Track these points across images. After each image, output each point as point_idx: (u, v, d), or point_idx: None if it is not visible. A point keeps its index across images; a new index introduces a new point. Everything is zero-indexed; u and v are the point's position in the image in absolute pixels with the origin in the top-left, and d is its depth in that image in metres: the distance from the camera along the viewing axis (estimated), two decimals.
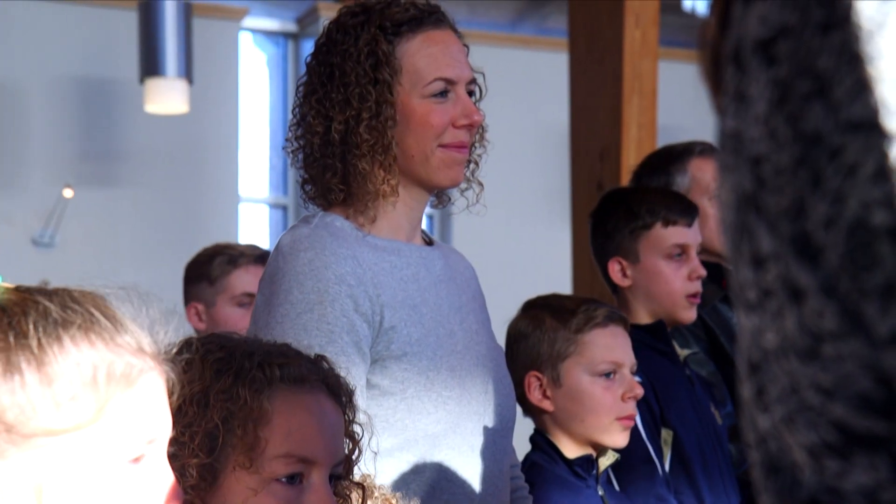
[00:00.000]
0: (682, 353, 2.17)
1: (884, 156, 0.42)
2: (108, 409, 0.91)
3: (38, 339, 0.90)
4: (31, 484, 0.89)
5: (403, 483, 1.53)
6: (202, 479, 1.19)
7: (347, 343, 1.51)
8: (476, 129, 1.64)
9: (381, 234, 1.62)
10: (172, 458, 1.17)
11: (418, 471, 1.55)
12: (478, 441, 1.60)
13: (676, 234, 2.11)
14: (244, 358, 1.23)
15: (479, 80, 1.67)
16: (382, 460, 1.42)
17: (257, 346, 1.28)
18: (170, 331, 0.99)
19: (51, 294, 0.94)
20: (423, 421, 1.54)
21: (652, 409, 2.05)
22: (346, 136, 1.58)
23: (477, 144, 1.68)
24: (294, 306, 1.52)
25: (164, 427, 0.97)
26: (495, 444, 1.63)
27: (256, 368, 1.22)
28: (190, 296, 2.75)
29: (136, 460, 0.94)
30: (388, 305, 1.56)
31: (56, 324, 0.91)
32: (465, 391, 1.59)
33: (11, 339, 0.89)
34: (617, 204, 2.18)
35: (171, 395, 0.98)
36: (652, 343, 2.11)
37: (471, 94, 1.65)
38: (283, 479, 1.20)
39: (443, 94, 1.60)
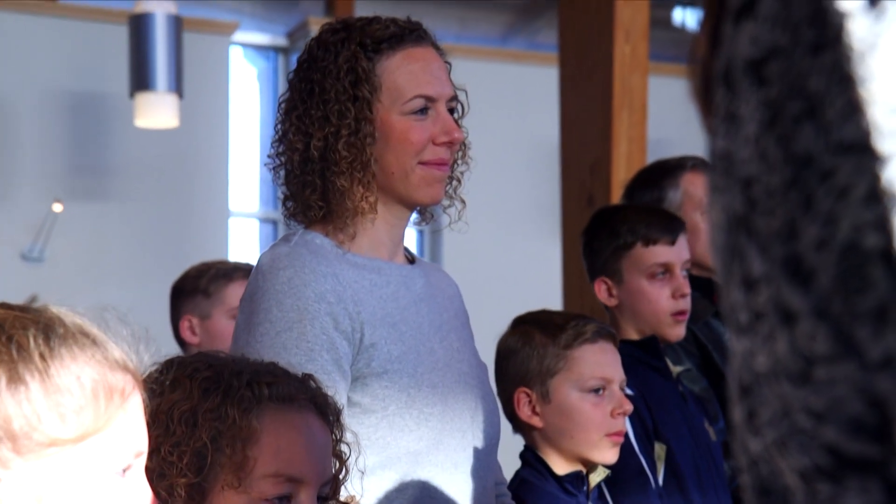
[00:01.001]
0: (675, 369, 2.17)
1: (875, 178, 0.41)
2: (106, 422, 0.94)
3: (40, 353, 0.92)
4: (32, 495, 0.91)
5: (386, 501, 1.53)
6: (190, 499, 1.18)
7: (327, 361, 1.51)
8: (456, 147, 1.64)
9: (361, 252, 1.62)
10: (160, 477, 1.17)
11: (401, 489, 1.54)
12: (461, 458, 1.60)
13: (658, 254, 2.11)
14: (232, 377, 1.23)
15: (462, 97, 1.68)
16: (365, 478, 1.42)
17: (245, 364, 1.28)
18: (143, 350, 1.01)
19: (41, 311, 0.96)
20: (405, 438, 1.54)
21: (645, 424, 2.05)
22: (325, 152, 1.58)
23: (459, 161, 1.68)
24: (274, 325, 1.52)
25: (146, 441, 0.99)
26: (479, 460, 1.62)
27: (245, 387, 1.22)
28: (182, 310, 2.74)
29: (124, 472, 0.96)
30: (368, 323, 1.56)
31: (56, 338, 0.94)
32: (448, 408, 1.58)
33: (14, 352, 0.91)
34: (601, 223, 2.19)
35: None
36: (644, 358, 2.11)
37: (452, 111, 1.65)
38: (272, 499, 1.20)
39: (423, 111, 1.60)
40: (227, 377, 1.23)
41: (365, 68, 1.58)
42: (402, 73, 1.60)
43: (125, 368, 0.96)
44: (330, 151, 1.57)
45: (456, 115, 1.66)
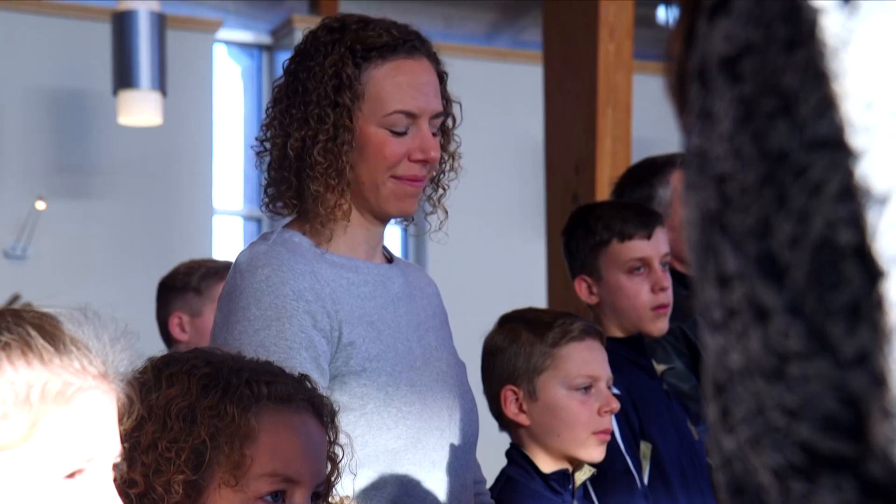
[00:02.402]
0: (659, 368, 2.17)
1: (849, 174, 0.41)
2: (39, 427, 0.91)
3: None
4: None
5: (365, 499, 1.53)
6: (187, 496, 1.18)
7: (306, 359, 1.50)
8: (433, 165, 1.61)
9: (338, 252, 1.61)
10: (157, 473, 1.17)
11: (379, 486, 1.54)
12: (439, 456, 1.60)
13: (634, 249, 2.10)
14: (232, 374, 1.23)
15: (455, 109, 1.65)
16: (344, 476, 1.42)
17: (244, 362, 1.28)
18: (119, 350, 0.98)
19: None
20: (384, 436, 1.54)
21: (631, 422, 2.04)
22: (302, 154, 1.57)
23: (447, 170, 1.67)
24: (252, 323, 1.51)
25: (106, 445, 0.96)
26: (457, 459, 1.62)
27: (244, 386, 1.22)
28: (171, 307, 2.73)
29: (72, 475, 0.93)
30: (346, 321, 1.55)
31: None
32: (426, 406, 1.58)
33: None
34: (578, 222, 2.19)
35: (125, 415, 0.97)
36: (630, 356, 2.11)
37: (444, 122, 1.63)
38: (267, 498, 1.20)
39: (402, 125, 1.58)
40: (226, 375, 1.23)
41: (349, 75, 1.56)
42: (387, 85, 1.58)
43: (79, 371, 0.93)
44: (306, 154, 1.56)
45: (450, 126, 1.64)
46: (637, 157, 2.77)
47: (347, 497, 1.35)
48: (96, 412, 0.95)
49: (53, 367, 0.93)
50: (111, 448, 0.96)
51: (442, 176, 1.66)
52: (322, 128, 1.55)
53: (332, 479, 1.28)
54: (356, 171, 1.58)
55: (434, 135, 1.62)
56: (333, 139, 1.55)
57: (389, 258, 1.72)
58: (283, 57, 1.69)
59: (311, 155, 1.55)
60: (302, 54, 1.60)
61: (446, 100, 1.67)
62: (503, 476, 1.88)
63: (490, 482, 1.86)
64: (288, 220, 1.66)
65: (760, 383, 0.44)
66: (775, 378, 0.43)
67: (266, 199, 1.64)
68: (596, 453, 1.85)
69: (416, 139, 1.58)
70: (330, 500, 1.29)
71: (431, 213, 1.68)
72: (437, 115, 1.61)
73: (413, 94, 1.58)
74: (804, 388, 0.42)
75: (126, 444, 1.00)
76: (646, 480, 2.04)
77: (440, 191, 1.68)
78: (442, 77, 1.66)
